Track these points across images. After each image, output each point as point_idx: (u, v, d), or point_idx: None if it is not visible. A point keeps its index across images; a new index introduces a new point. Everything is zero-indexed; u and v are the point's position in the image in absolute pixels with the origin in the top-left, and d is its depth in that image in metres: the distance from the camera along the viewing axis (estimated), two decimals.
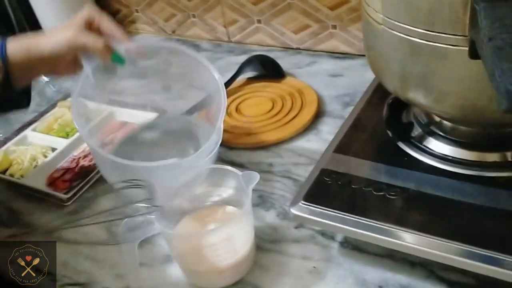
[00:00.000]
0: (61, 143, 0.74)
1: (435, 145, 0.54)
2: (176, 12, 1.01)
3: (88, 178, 0.67)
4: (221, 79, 0.61)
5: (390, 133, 0.57)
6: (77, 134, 0.74)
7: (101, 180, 0.66)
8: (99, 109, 0.74)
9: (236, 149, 0.70)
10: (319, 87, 0.78)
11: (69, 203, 0.65)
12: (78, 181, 0.67)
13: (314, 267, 0.52)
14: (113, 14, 1.10)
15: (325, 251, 0.54)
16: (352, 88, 0.77)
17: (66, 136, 0.76)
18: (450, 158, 0.52)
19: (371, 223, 0.47)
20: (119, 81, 0.71)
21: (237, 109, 0.76)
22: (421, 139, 0.55)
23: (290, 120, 0.72)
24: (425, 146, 0.54)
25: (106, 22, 0.56)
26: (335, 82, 0.80)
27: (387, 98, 0.62)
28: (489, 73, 0.33)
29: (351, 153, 0.55)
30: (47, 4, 0.99)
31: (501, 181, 0.48)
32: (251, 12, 0.92)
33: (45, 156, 0.72)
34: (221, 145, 0.69)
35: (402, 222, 0.47)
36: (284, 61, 0.85)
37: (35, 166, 0.71)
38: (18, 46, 0.54)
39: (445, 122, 0.54)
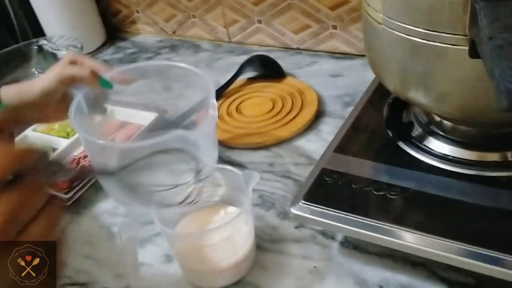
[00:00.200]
0: (61, 143, 0.74)
1: (435, 144, 0.54)
2: (176, 13, 1.01)
3: (89, 178, 0.67)
4: (209, 79, 0.62)
5: (390, 133, 0.57)
6: (77, 135, 0.74)
7: None
8: None
9: (236, 149, 0.70)
10: (319, 87, 0.78)
11: (69, 203, 0.65)
12: (79, 181, 0.67)
13: (315, 266, 0.52)
14: (114, 14, 1.10)
15: (325, 250, 0.54)
16: (353, 88, 0.77)
17: (67, 136, 0.76)
18: (450, 157, 0.52)
19: (372, 223, 0.47)
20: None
21: (237, 109, 0.76)
22: (421, 138, 0.55)
23: (291, 120, 0.72)
24: (425, 145, 0.54)
25: (88, 59, 0.59)
26: (335, 82, 0.80)
27: (387, 98, 0.62)
28: (489, 72, 0.33)
29: (351, 153, 0.55)
30: (48, 5, 0.99)
31: (501, 181, 0.48)
32: (251, 13, 0.92)
33: None
34: (221, 145, 0.70)
35: (403, 221, 0.47)
36: (285, 61, 0.85)
37: None
38: (8, 92, 0.55)
39: (445, 121, 0.54)
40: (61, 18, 1.00)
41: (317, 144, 0.68)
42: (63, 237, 0.33)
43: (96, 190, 0.67)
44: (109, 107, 0.75)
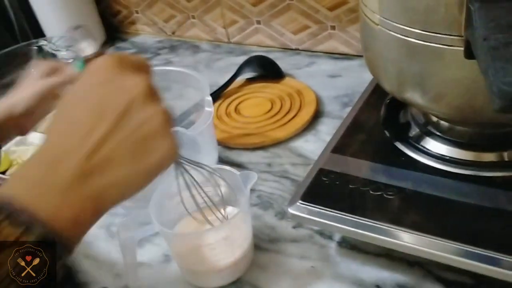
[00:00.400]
0: None
1: (432, 145, 0.54)
2: (175, 13, 1.01)
3: None
4: (204, 78, 0.64)
5: (387, 133, 0.57)
6: None
7: None
8: None
9: (235, 149, 0.70)
10: (318, 87, 0.78)
11: None
12: None
13: (312, 266, 0.52)
14: (114, 15, 1.11)
15: (323, 250, 0.54)
16: (351, 88, 0.77)
17: None
18: (447, 158, 0.52)
19: (369, 223, 0.47)
20: None
21: (236, 110, 0.77)
22: (418, 139, 0.55)
23: (289, 121, 0.72)
24: (422, 146, 0.54)
25: (66, 65, 0.55)
26: (333, 83, 0.80)
27: (384, 98, 0.62)
28: (483, 72, 0.33)
29: (348, 153, 0.55)
30: (48, 6, 0.99)
31: (497, 181, 0.49)
32: (250, 13, 0.92)
33: None
34: (220, 145, 0.70)
35: (400, 221, 0.47)
36: (283, 62, 0.86)
37: None
38: None
39: (442, 122, 0.54)
40: (61, 19, 1.00)
41: (315, 145, 0.68)
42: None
43: None
44: None
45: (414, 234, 0.46)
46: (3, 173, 0.72)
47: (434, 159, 0.52)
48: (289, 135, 0.70)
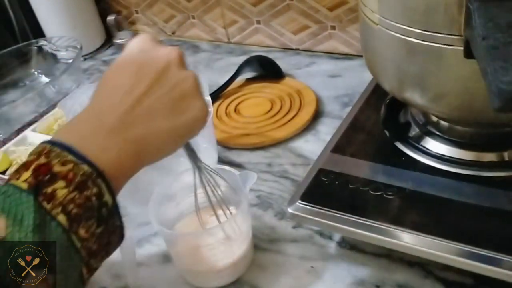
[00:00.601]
0: None
1: (432, 145, 0.54)
2: (176, 13, 1.01)
3: None
4: (203, 79, 0.62)
5: (387, 133, 0.57)
6: None
7: None
8: None
9: (234, 149, 0.70)
10: (318, 87, 0.78)
11: None
12: None
13: (312, 266, 0.52)
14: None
15: (322, 250, 0.54)
16: (351, 88, 0.77)
17: None
18: (447, 158, 0.52)
19: (369, 223, 0.47)
20: None
21: (236, 110, 0.76)
22: (418, 139, 0.55)
23: (289, 121, 0.72)
24: (422, 146, 0.54)
25: None
26: (334, 83, 0.80)
27: (385, 98, 0.62)
28: (482, 72, 0.33)
29: (348, 153, 0.55)
30: (48, 6, 0.99)
31: (498, 181, 0.48)
32: (250, 13, 0.92)
33: None
34: (219, 145, 0.70)
35: (400, 221, 0.47)
36: (283, 62, 0.85)
37: None
38: None
39: (442, 122, 0.54)
40: (61, 19, 1.01)
41: (315, 145, 0.68)
42: None
43: None
44: None
45: (414, 234, 0.46)
46: (3, 173, 0.72)
47: (434, 159, 0.52)
48: (289, 135, 0.70)
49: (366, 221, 0.48)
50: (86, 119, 0.37)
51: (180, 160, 0.54)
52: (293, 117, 0.72)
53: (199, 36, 1.02)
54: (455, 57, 0.42)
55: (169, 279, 0.55)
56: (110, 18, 1.03)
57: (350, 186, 0.51)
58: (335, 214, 0.49)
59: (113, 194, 0.35)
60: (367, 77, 0.62)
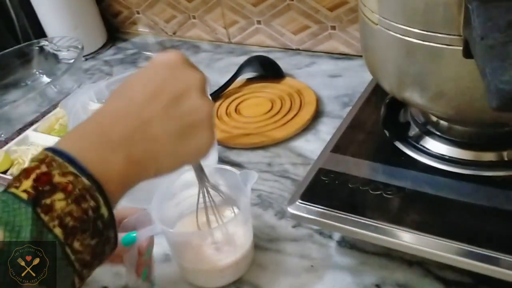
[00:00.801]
0: None
1: (432, 144, 0.54)
2: (176, 14, 1.02)
3: None
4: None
5: (387, 133, 0.57)
6: None
7: None
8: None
9: (235, 149, 0.70)
10: (318, 87, 0.79)
11: None
12: None
13: (312, 266, 0.53)
14: (115, 15, 1.11)
15: (322, 250, 0.54)
16: (351, 88, 0.77)
17: None
18: (446, 157, 0.52)
19: (368, 222, 0.48)
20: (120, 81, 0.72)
21: (236, 110, 0.77)
22: (418, 138, 0.55)
23: (289, 121, 0.72)
24: (422, 145, 0.54)
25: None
26: (334, 83, 0.80)
27: (384, 98, 0.62)
28: (480, 71, 0.33)
29: (348, 152, 0.56)
30: (49, 6, 1.00)
31: (497, 180, 0.49)
32: (251, 13, 0.92)
33: None
34: (220, 145, 0.70)
35: (399, 221, 0.47)
36: (284, 62, 0.86)
37: None
38: None
39: (441, 121, 0.54)
40: (62, 19, 1.01)
41: (315, 144, 0.68)
42: None
43: None
44: None
45: (414, 233, 0.46)
46: (4, 172, 0.72)
47: (433, 158, 0.52)
48: (289, 135, 0.70)
49: (366, 220, 0.48)
50: (92, 130, 0.37)
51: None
52: (293, 117, 0.72)
53: (199, 36, 1.02)
54: (454, 57, 0.42)
55: (170, 278, 0.55)
56: None
57: (350, 185, 0.51)
58: (335, 214, 0.49)
59: (109, 207, 0.35)
60: (367, 77, 0.62)
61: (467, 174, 0.50)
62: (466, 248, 0.43)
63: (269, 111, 0.75)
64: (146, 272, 0.50)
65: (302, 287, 0.51)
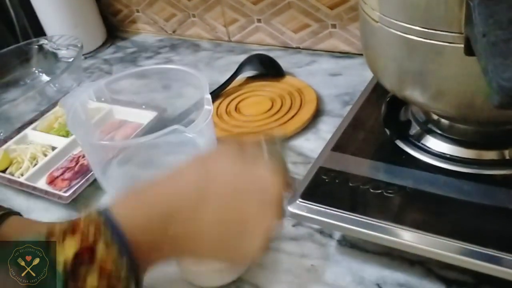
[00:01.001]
0: (61, 142, 0.74)
1: (433, 143, 0.54)
2: (176, 12, 1.01)
3: (88, 176, 0.67)
4: (202, 76, 0.64)
5: (388, 132, 0.57)
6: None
7: None
8: (98, 107, 0.74)
9: None
10: (318, 86, 0.78)
11: (68, 201, 0.65)
12: (78, 179, 0.68)
13: (312, 265, 0.52)
14: (114, 14, 1.11)
15: (323, 249, 0.54)
16: (352, 87, 0.77)
17: (66, 135, 0.76)
18: (447, 156, 0.52)
19: (369, 221, 0.47)
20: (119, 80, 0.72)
21: (236, 108, 0.76)
22: (419, 137, 0.55)
23: (289, 119, 0.72)
24: (423, 144, 0.54)
25: None
26: (334, 81, 0.80)
27: (385, 96, 0.62)
28: (482, 69, 0.33)
29: (349, 151, 0.55)
30: (49, 5, 1.00)
31: (498, 179, 0.48)
32: (251, 12, 0.92)
33: (45, 155, 0.73)
34: None
35: (400, 220, 0.47)
36: (284, 60, 0.85)
37: (35, 164, 0.71)
38: None
39: (443, 120, 0.54)
40: (62, 18, 1.01)
41: (316, 143, 0.68)
42: None
43: (95, 188, 0.67)
44: (108, 106, 0.76)
45: (415, 232, 0.45)
46: (3, 171, 0.72)
47: (434, 157, 0.52)
48: (290, 134, 0.70)
49: (367, 219, 0.47)
50: (141, 204, 0.37)
51: (181, 159, 0.54)
52: (293, 116, 0.72)
53: (199, 35, 1.02)
54: (455, 54, 0.42)
55: (169, 278, 0.54)
56: None
57: (350, 184, 0.51)
58: (335, 213, 0.49)
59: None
60: (368, 75, 0.62)
61: (468, 173, 0.50)
62: (468, 247, 0.43)
63: (269, 109, 0.74)
64: None
65: (302, 287, 0.51)
